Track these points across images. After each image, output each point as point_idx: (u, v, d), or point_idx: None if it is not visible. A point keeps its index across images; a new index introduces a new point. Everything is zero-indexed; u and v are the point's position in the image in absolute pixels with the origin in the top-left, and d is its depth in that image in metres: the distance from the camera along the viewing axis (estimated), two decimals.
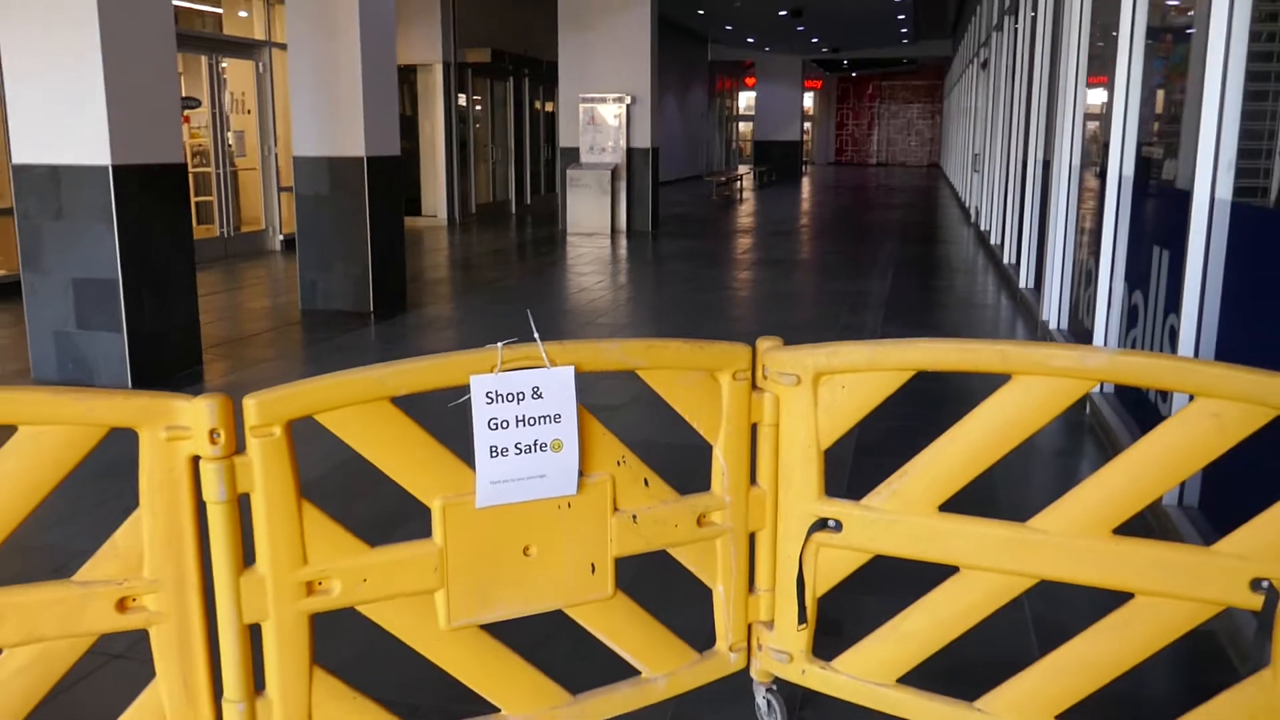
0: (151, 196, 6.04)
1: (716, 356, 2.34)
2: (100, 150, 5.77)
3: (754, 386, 2.39)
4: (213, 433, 1.92)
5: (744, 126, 42.64)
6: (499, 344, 2.08)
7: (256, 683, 2.08)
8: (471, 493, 2.12)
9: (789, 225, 17.64)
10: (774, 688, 2.55)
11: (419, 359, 2.10)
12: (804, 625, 2.43)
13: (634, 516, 2.29)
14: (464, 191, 17.42)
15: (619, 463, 2.26)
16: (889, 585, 2.61)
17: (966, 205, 18.64)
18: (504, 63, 18.46)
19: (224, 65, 12.64)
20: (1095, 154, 6.29)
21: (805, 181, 31.22)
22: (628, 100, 15.36)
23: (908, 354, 2.29)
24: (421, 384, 2.08)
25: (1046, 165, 7.94)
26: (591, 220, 15.34)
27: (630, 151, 15.57)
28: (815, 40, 29.70)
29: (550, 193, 21.07)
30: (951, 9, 23.88)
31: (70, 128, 5.79)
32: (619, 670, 2.41)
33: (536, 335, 2.11)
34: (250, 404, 1.95)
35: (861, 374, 2.31)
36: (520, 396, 2.07)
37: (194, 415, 1.93)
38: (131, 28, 5.83)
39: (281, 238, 13.27)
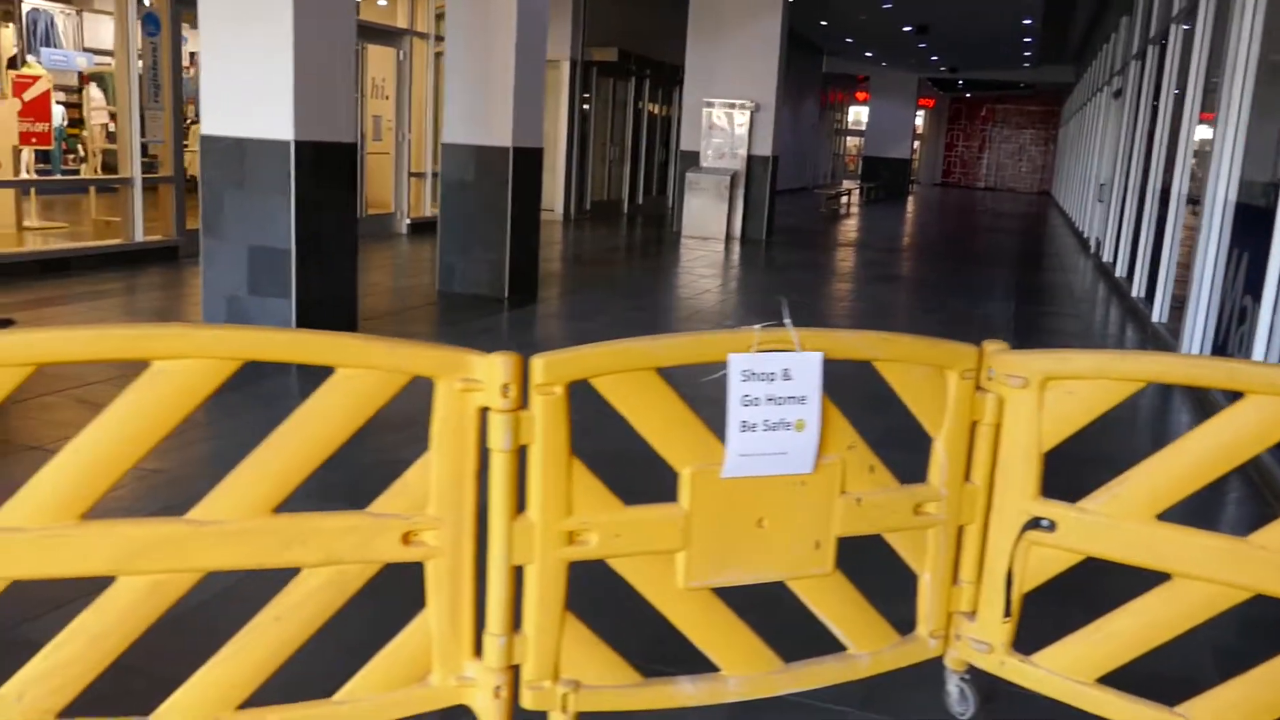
0: (325, 172, 6.33)
1: (946, 354, 2.46)
2: (284, 126, 6.08)
3: (977, 386, 2.50)
4: (504, 387, 2.10)
5: (851, 141, 42.46)
6: (756, 326, 2.23)
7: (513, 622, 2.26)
8: (717, 463, 2.27)
9: (901, 243, 17.58)
10: (967, 677, 2.65)
11: (683, 335, 2.26)
12: (1008, 619, 2.53)
13: (859, 499, 2.42)
14: (580, 188, 17.70)
15: (849, 448, 2.39)
16: (1061, 593, 2.69)
17: (1085, 235, 18.36)
18: (628, 63, 18.70)
19: (363, 50, 13.03)
20: (1257, 189, 6.23)
21: (911, 201, 30.95)
22: (752, 107, 15.46)
23: (1137, 365, 2.38)
24: (686, 357, 2.23)
25: (1194, 200, 7.85)
26: (707, 224, 15.47)
27: (750, 159, 15.66)
28: (935, 58, 29.46)
29: (661, 195, 21.26)
30: (1077, 35, 23.53)
31: (258, 103, 6.11)
32: (798, 642, 2.53)
33: (789, 321, 2.25)
34: (538, 364, 2.13)
35: (1088, 381, 2.40)
36: (772, 377, 2.22)
37: (487, 370, 2.11)
38: (320, 15, 6.13)
39: (408, 222, 13.62)
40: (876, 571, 2.56)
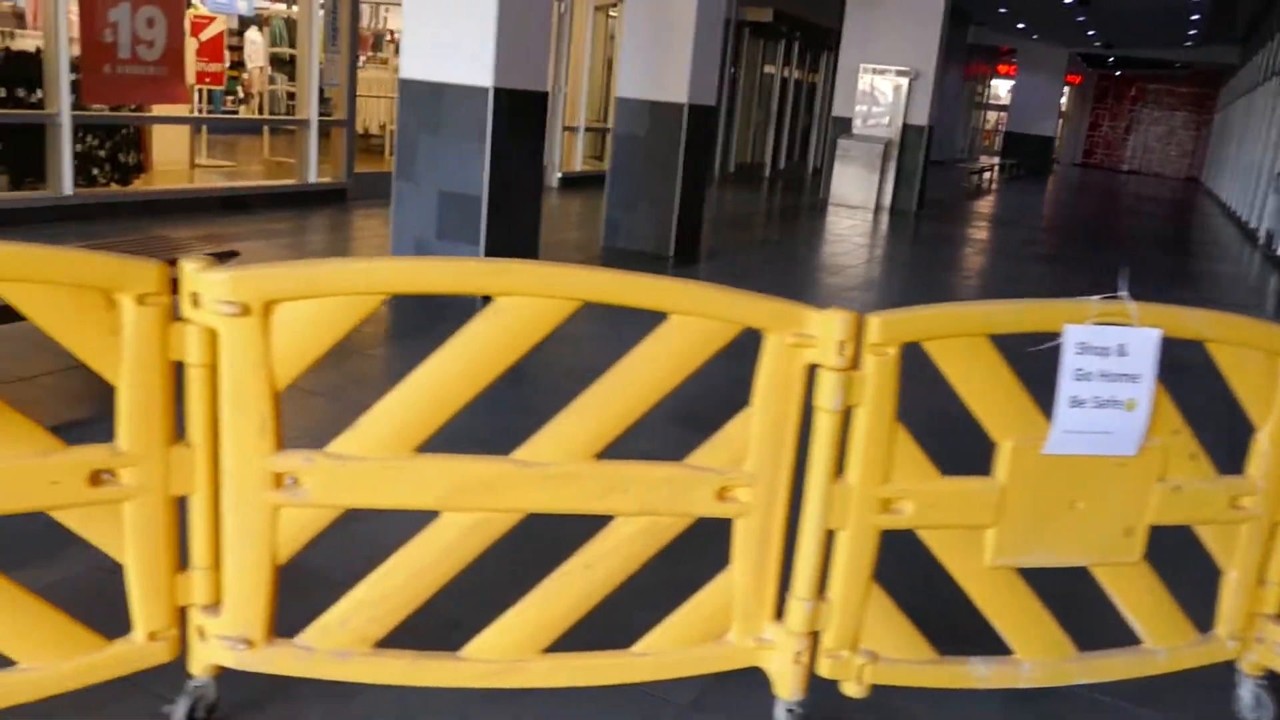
0: (519, 121, 6.32)
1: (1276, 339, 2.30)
2: (484, 72, 6.07)
3: None
4: (840, 345, 2.02)
5: (991, 115, 41.18)
6: (1094, 298, 2.10)
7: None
8: (1038, 438, 2.16)
9: (1051, 223, 17.00)
10: (1264, 683, 2.50)
11: (1019, 301, 2.14)
12: None
13: (1177, 487, 2.28)
14: (725, 149, 17.51)
15: (1174, 433, 2.25)
16: None
17: (1251, 225, 17.48)
18: (781, 25, 18.38)
19: None
20: None
21: (1053, 180, 29.91)
22: (910, 74, 15.04)
23: None
24: (1020, 325, 2.12)
25: None
26: (856, 193, 15.16)
27: (905, 128, 15.26)
28: (1092, 33, 28.27)
29: (801, 161, 20.93)
30: (1249, 15, 22.29)
31: (459, 49, 6.12)
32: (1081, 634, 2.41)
33: (1126, 293, 2.12)
34: (875, 322, 2.04)
35: None
36: (1107, 351, 2.09)
37: (824, 326, 2.03)
38: None
39: (559, 175, 13.62)
40: (1172, 564, 2.42)
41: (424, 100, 6.29)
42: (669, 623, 2.20)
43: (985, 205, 18.57)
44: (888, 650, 2.26)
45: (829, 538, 2.16)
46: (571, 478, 2.04)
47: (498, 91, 6.10)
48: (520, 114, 6.31)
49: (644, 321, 1.99)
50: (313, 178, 9.85)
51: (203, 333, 1.89)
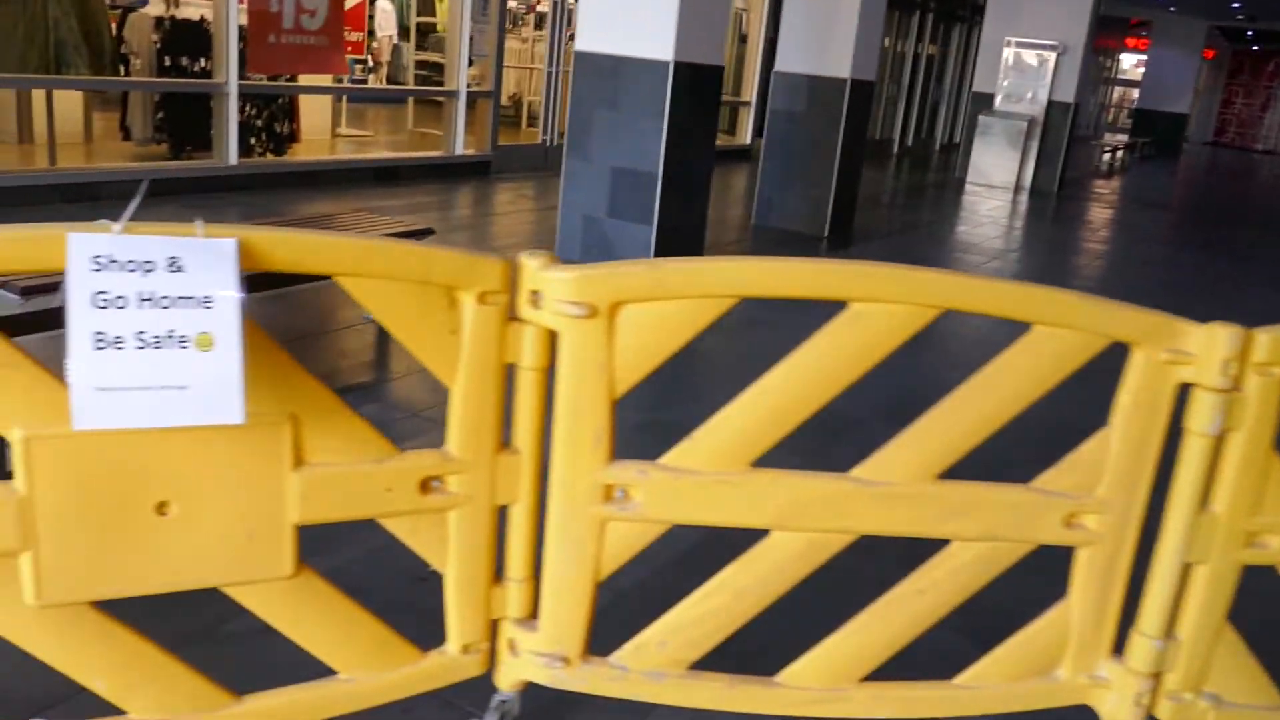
0: (697, 96, 6.15)
1: None
2: (665, 46, 5.91)
3: None
4: (1225, 364, 1.81)
5: (1117, 91, 39.66)
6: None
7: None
8: None
9: (1199, 205, 16.23)
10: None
11: None
12: None
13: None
14: None
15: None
16: None
17: None
18: None
19: None
20: None
21: (1186, 160, 28.66)
22: (1058, 49, 14.44)
23: None
24: None
25: None
26: (997, 172, 14.66)
27: (1050, 104, 14.67)
28: (1236, 4, 26.92)
29: (929, 137, 20.37)
30: None
31: (639, 21, 5.96)
32: None
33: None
34: (1263, 340, 1.83)
35: None
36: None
37: (1205, 341, 1.83)
38: None
39: None
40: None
41: (601, 74, 6.15)
42: (996, 655, 2.04)
43: (1122, 186, 17.83)
44: (1233, 694, 2.06)
45: (1185, 572, 1.96)
46: (913, 499, 1.88)
47: (678, 65, 5.94)
48: (699, 89, 6.14)
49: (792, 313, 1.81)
50: (459, 149, 9.83)
51: (540, 334, 1.77)
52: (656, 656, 1.94)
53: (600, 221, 6.24)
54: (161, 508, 1.60)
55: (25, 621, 1.55)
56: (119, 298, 1.42)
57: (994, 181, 14.76)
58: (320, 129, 10.36)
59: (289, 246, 1.57)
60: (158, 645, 1.66)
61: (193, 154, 8.18)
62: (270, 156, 8.62)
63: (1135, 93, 36.39)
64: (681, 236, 6.29)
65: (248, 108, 8.33)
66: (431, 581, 1.88)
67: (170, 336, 1.44)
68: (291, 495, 1.67)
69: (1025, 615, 2.03)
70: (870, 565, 1.92)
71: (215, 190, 7.64)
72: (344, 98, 11.73)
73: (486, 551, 1.86)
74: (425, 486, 1.78)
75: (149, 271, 1.44)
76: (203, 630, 2.31)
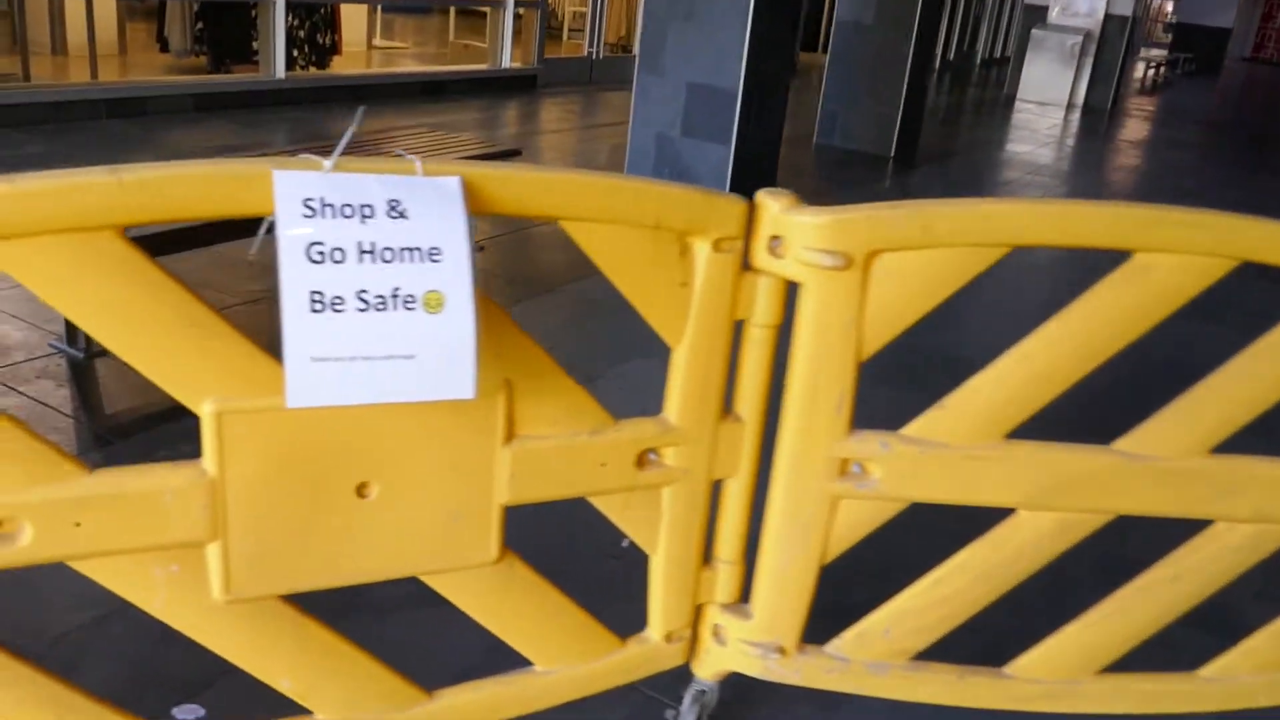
0: (779, 8, 5.79)
1: None
2: None
3: None
4: None
5: (1154, 4, 38.45)
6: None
7: None
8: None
9: (1256, 124, 15.71)
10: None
11: None
12: None
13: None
14: None
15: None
16: None
17: None
18: None
19: None
20: None
21: (1228, 76, 27.82)
22: None
23: None
24: None
25: None
26: (1049, 89, 14.17)
27: (1106, 18, 14.11)
28: None
29: (970, 50, 19.75)
30: None
31: None
32: None
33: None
34: None
35: None
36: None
37: None
38: None
39: None
40: None
41: None
42: (1247, 646, 1.82)
43: (1173, 103, 17.27)
44: None
45: None
46: (1182, 476, 1.65)
47: None
48: (780, 1, 5.78)
49: None
50: (506, 62, 9.45)
51: (777, 286, 1.53)
52: (880, 646, 1.74)
53: (673, 140, 5.93)
54: (362, 489, 1.38)
55: (210, 617, 1.35)
56: (336, 250, 1.18)
57: (1045, 98, 14.28)
58: (356, 41, 9.99)
59: (516, 186, 1.32)
60: (349, 640, 1.46)
61: (231, 67, 7.85)
62: (313, 70, 8.28)
63: (1169, 5, 35.29)
64: (758, 157, 5.98)
65: (289, 18, 7.97)
66: (625, 557, 1.66)
67: (395, 296, 1.20)
68: (501, 473, 1.45)
69: (1246, 601, 1.82)
70: (1088, 544, 1.70)
71: (261, 105, 7.33)
72: (378, 7, 11.29)
73: (699, 530, 1.65)
74: (641, 460, 1.55)
75: (367, 218, 1.20)
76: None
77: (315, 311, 1.17)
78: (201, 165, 1.17)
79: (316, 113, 7.40)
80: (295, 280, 1.16)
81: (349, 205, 1.19)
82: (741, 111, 5.75)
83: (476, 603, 1.53)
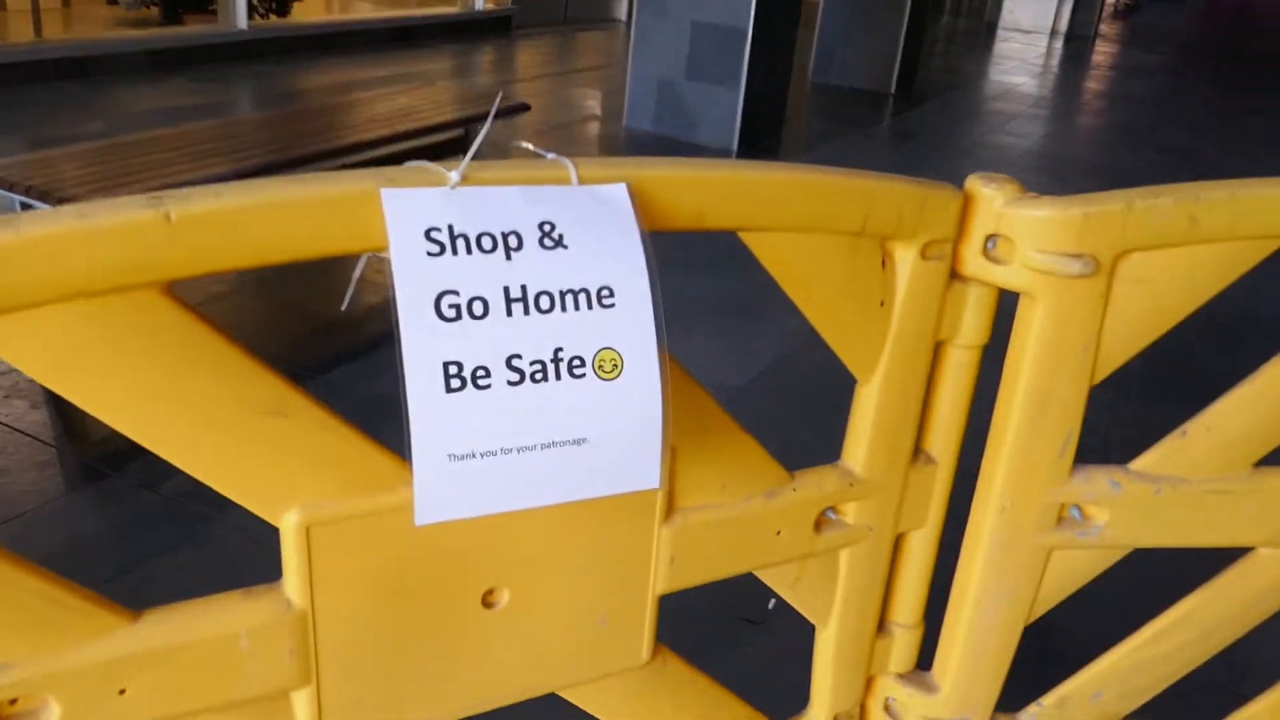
0: None
1: None
2: None
3: None
4: None
5: None
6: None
7: None
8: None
9: (1229, 41, 15.44)
10: None
11: None
12: None
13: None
14: None
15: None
16: None
17: None
18: None
19: None
20: None
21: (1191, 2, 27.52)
22: None
23: None
24: None
25: None
26: (1031, 16, 13.82)
27: None
28: None
29: None
30: None
31: None
32: None
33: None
34: None
35: None
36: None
37: None
38: None
39: (628, 4, 11.91)
40: None
41: None
42: None
43: (1151, 26, 16.96)
44: None
45: None
46: None
47: None
48: None
49: None
50: (479, 4, 8.95)
51: (989, 298, 1.20)
52: (1087, 713, 1.44)
53: (677, 85, 5.54)
54: (488, 597, 1.04)
55: None
56: (476, 300, 0.83)
57: (1026, 26, 13.93)
58: None
59: (698, 191, 0.97)
60: None
61: (184, 18, 7.32)
62: (274, 19, 7.76)
63: None
64: (767, 102, 5.61)
65: None
66: (767, 620, 1.34)
67: (558, 359, 0.86)
68: (660, 557, 1.12)
69: None
70: None
71: (222, 60, 6.83)
72: None
73: (879, 595, 1.33)
74: (819, 521, 1.22)
75: (514, 250, 0.85)
76: None
77: (452, 390, 0.82)
78: (282, 187, 0.81)
79: (282, 66, 6.92)
80: (422, 347, 0.81)
81: (489, 234, 0.84)
82: (752, 52, 5.36)
83: (623, 709, 1.21)
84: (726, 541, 1.16)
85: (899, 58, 7.70)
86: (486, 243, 0.84)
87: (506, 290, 0.84)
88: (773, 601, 1.32)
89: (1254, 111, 9.06)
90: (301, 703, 0.98)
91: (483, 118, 3.66)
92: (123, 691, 0.88)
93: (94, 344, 0.79)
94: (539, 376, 0.85)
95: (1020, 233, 1.15)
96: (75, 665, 0.86)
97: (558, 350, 0.86)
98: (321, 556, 0.93)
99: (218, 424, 0.85)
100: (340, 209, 0.83)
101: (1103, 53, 12.46)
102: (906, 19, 7.59)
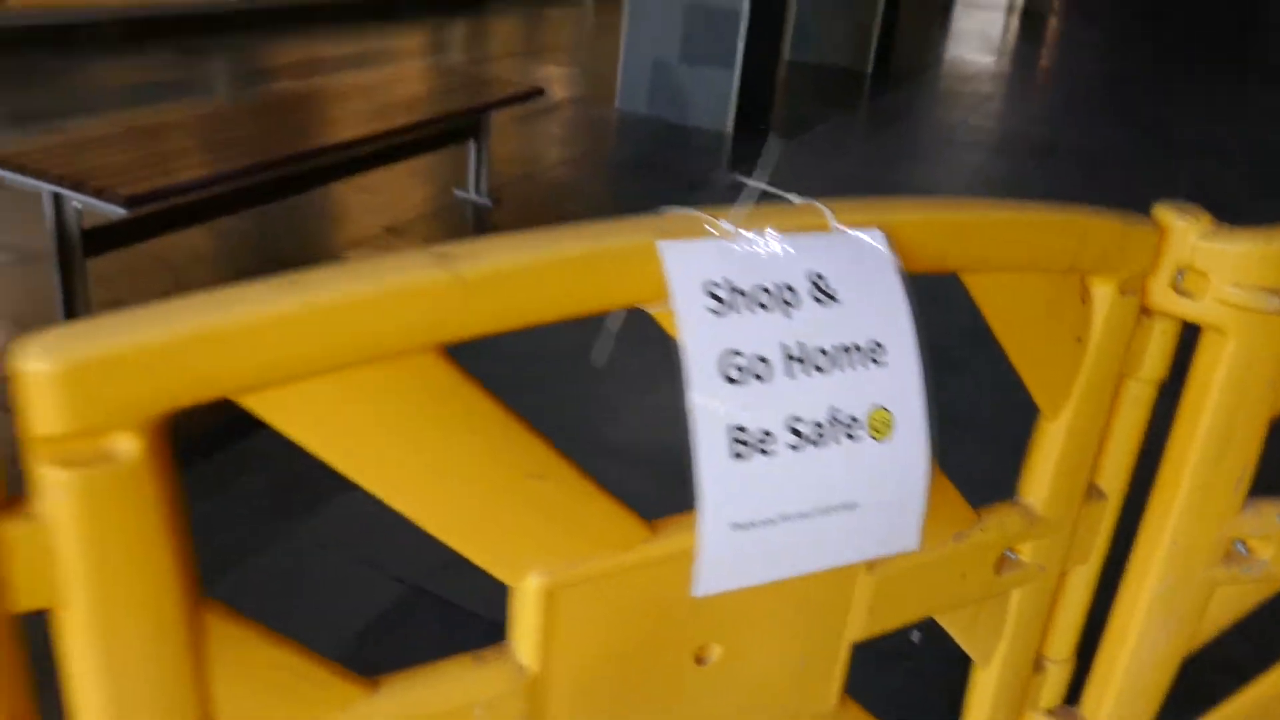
0: None
1: None
2: None
3: None
4: None
5: None
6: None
7: None
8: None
9: (1185, 13, 15.66)
10: None
11: None
12: None
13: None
14: None
15: None
16: None
17: None
18: None
19: None
20: None
21: None
22: None
23: None
24: None
25: None
26: None
27: None
28: None
29: None
30: None
31: None
32: None
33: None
34: None
35: None
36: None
37: None
38: None
39: None
40: None
41: None
42: None
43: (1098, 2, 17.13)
44: None
45: None
46: None
47: None
48: None
49: None
50: None
51: (1173, 332, 1.17)
52: None
53: (672, 68, 5.47)
54: (700, 653, 1.00)
55: None
56: (759, 359, 0.78)
57: (984, 2, 14.00)
58: None
59: (941, 235, 0.93)
60: None
61: None
62: None
63: None
64: (760, 82, 5.56)
65: None
66: (914, 654, 1.32)
67: (835, 421, 0.81)
68: (859, 604, 1.08)
69: None
70: None
71: (196, 32, 6.61)
72: None
73: (1040, 630, 1.31)
74: (1000, 562, 1.20)
75: (790, 306, 0.80)
76: None
77: (738, 457, 0.78)
78: (560, 242, 0.76)
79: (255, 39, 6.72)
80: (711, 412, 0.76)
81: (765, 288, 0.79)
82: (750, 32, 5.30)
83: None
84: (919, 587, 1.13)
85: (875, 36, 7.68)
86: (764, 298, 0.79)
87: (786, 348, 0.79)
88: (918, 635, 1.28)
89: (1216, 81, 9.19)
90: None
91: (497, 104, 3.57)
92: None
93: (365, 408, 0.73)
94: (817, 439, 0.81)
95: (1215, 267, 1.12)
96: None
97: (834, 410, 0.81)
98: (557, 619, 0.88)
99: (480, 486, 0.80)
100: (619, 264, 0.78)
101: (1062, 29, 12.57)
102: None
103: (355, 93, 3.52)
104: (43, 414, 0.62)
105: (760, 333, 0.79)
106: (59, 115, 4.84)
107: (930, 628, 1.23)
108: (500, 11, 9.09)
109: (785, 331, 0.79)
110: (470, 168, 3.99)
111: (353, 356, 0.70)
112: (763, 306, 0.79)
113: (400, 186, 4.23)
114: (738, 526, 0.79)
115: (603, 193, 4.41)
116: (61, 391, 0.62)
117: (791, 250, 0.82)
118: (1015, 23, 12.95)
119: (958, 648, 1.27)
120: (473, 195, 4.08)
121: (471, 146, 3.88)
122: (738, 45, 5.32)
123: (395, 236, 3.69)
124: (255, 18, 7.01)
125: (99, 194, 2.46)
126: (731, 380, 0.77)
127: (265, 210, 3.37)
